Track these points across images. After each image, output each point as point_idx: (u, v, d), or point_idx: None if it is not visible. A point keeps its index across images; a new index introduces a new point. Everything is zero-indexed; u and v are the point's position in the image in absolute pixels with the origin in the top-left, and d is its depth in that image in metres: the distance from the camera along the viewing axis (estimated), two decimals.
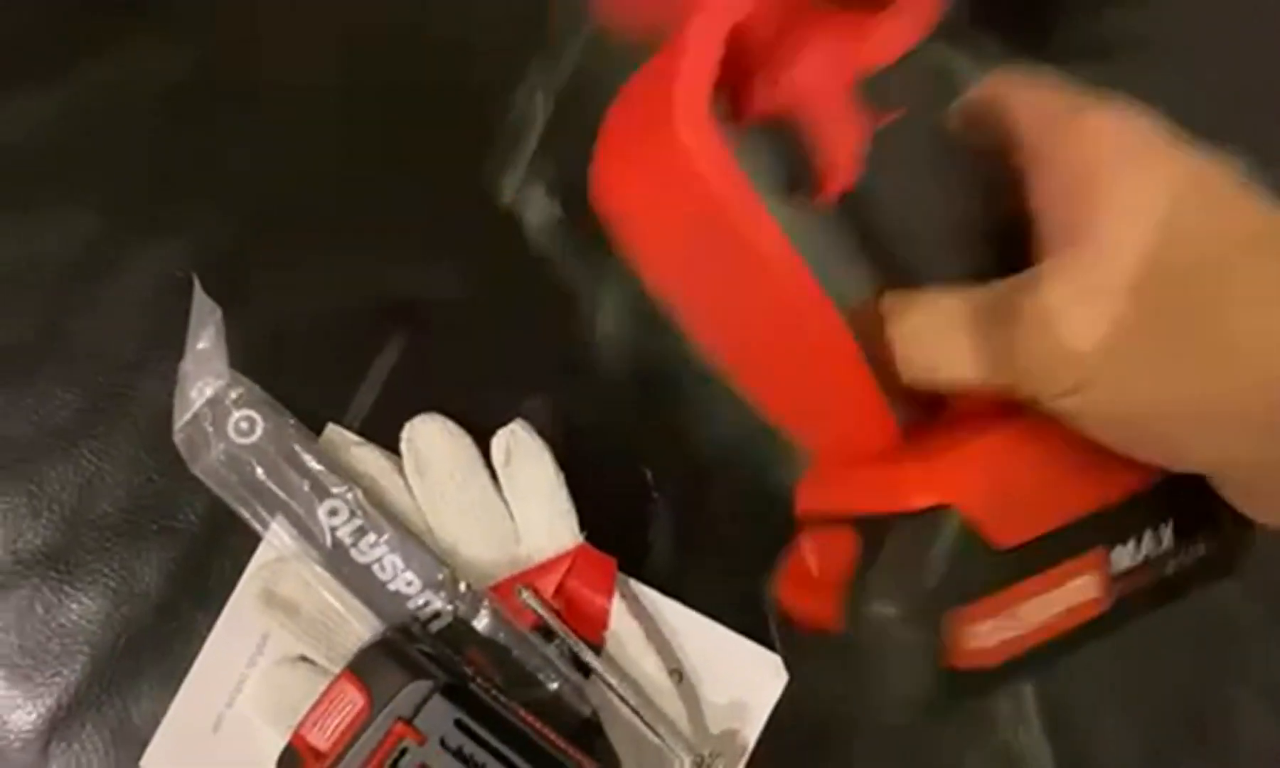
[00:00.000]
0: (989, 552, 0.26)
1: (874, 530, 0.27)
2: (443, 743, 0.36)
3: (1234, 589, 0.30)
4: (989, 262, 0.27)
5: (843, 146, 0.27)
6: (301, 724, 0.37)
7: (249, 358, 0.42)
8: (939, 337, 0.27)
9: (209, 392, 0.40)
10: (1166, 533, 0.28)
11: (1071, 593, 0.27)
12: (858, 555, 0.27)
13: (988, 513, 0.26)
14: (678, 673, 0.43)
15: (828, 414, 0.29)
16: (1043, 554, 0.27)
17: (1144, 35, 0.54)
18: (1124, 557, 0.27)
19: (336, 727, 0.37)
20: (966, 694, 0.27)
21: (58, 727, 0.40)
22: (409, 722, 0.36)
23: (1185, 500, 0.28)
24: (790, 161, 0.28)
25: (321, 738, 0.37)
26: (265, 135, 0.46)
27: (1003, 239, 0.27)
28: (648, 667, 0.42)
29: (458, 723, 0.37)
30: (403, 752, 0.36)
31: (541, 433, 0.43)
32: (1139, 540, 0.28)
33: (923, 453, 0.28)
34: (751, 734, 0.43)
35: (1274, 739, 0.47)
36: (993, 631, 0.26)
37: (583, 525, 0.43)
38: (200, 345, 0.40)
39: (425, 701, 0.37)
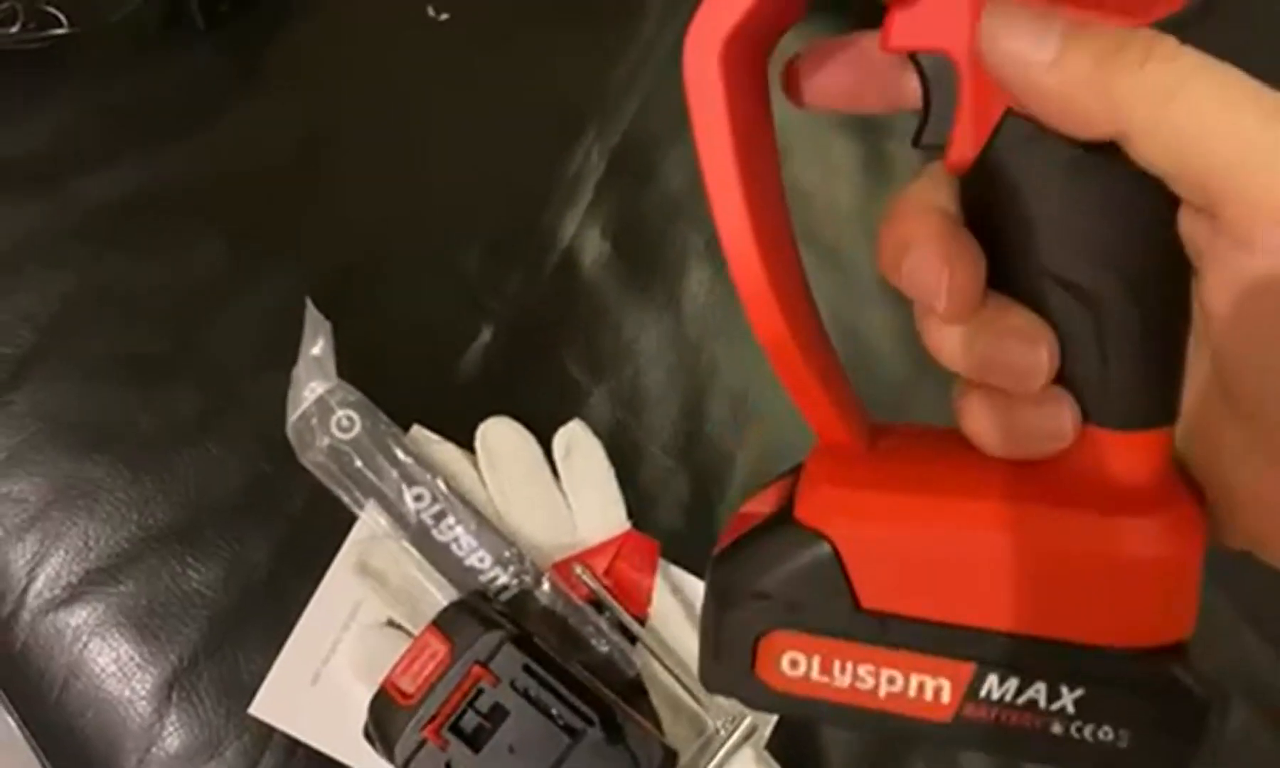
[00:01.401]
0: (848, 603, 0.25)
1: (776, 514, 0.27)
2: (513, 685, 0.43)
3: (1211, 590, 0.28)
4: (1101, 282, 0.24)
5: (977, 113, 0.24)
6: (392, 672, 0.44)
7: (348, 366, 0.49)
8: (1233, 110, 0.21)
9: (319, 391, 0.48)
10: (1066, 697, 0.25)
11: (916, 685, 0.26)
12: (748, 525, 0.27)
13: (862, 568, 0.25)
14: None
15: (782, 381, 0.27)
16: (905, 634, 0.25)
17: None
18: (995, 687, 0.25)
19: (422, 671, 0.43)
20: (773, 708, 0.27)
21: (179, 677, 0.47)
22: (485, 665, 0.43)
23: (1118, 686, 0.25)
24: (928, 109, 0.25)
25: (410, 682, 0.43)
26: (363, 183, 0.54)
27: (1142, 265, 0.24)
28: (685, 639, 0.48)
29: (526, 668, 0.43)
30: (479, 692, 0.43)
31: (596, 432, 0.50)
32: (1023, 683, 0.25)
33: (846, 476, 0.27)
34: None
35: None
36: (815, 671, 0.26)
37: (630, 514, 0.49)
38: (312, 352, 0.48)
39: (499, 648, 0.43)
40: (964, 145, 0.25)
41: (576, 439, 0.49)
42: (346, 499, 0.48)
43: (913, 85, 0.25)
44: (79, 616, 0.47)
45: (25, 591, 0.47)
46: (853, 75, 0.27)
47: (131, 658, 0.47)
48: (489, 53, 0.56)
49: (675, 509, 0.51)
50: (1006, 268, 0.25)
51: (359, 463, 0.48)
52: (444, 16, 0.55)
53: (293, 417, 0.48)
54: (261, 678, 0.47)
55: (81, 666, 0.47)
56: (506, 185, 0.55)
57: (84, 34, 0.52)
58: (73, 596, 0.47)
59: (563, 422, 0.50)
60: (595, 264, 0.54)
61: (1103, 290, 0.24)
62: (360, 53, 0.55)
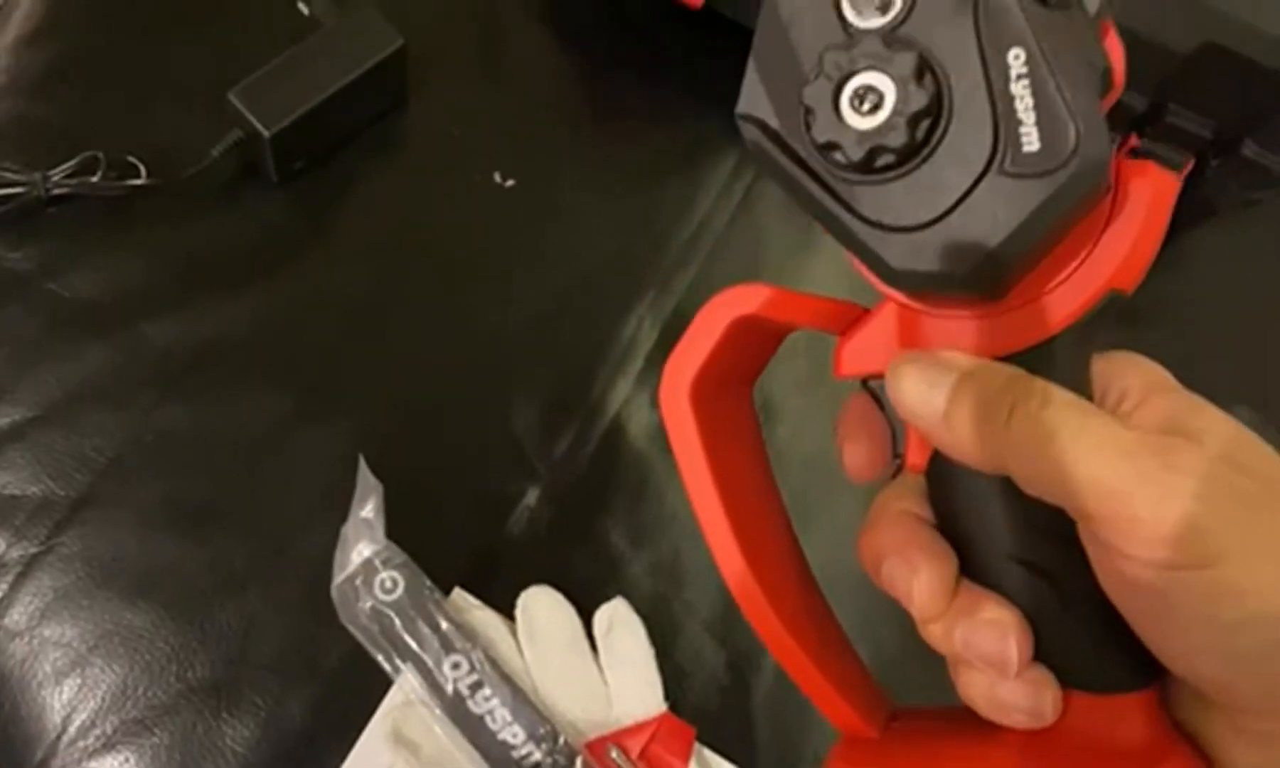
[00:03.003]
0: None
1: None
2: None
3: None
4: (1054, 560, 0.26)
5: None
6: None
7: (394, 519, 0.49)
8: (1091, 453, 0.23)
9: (366, 554, 0.48)
10: None
11: None
12: None
13: None
14: None
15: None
16: None
17: (1174, 297, 0.62)
18: None
19: None
20: None
21: None
22: None
23: None
24: (890, 420, 0.29)
25: None
26: (421, 340, 0.55)
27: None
28: None
29: None
30: None
31: (634, 603, 0.50)
32: None
33: (863, 760, 0.29)
34: None
35: None
36: None
37: (665, 690, 0.49)
38: (362, 514, 0.48)
39: None
40: (916, 454, 0.28)
41: (619, 617, 0.49)
42: (383, 662, 0.48)
43: None
44: (110, 766, 0.47)
45: (59, 737, 0.47)
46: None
47: None
48: (551, 220, 0.57)
49: (711, 687, 0.51)
50: (973, 556, 0.27)
51: (399, 625, 0.48)
52: (510, 183, 0.57)
53: (338, 579, 0.48)
54: None
55: None
56: (561, 350, 0.56)
57: (161, 184, 0.54)
58: (106, 745, 0.47)
59: (603, 590, 0.50)
60: (642, 433, 0.55)
61: (1056, 566, 0.26)
62: (426, 214, 0.57)
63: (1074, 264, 0.25)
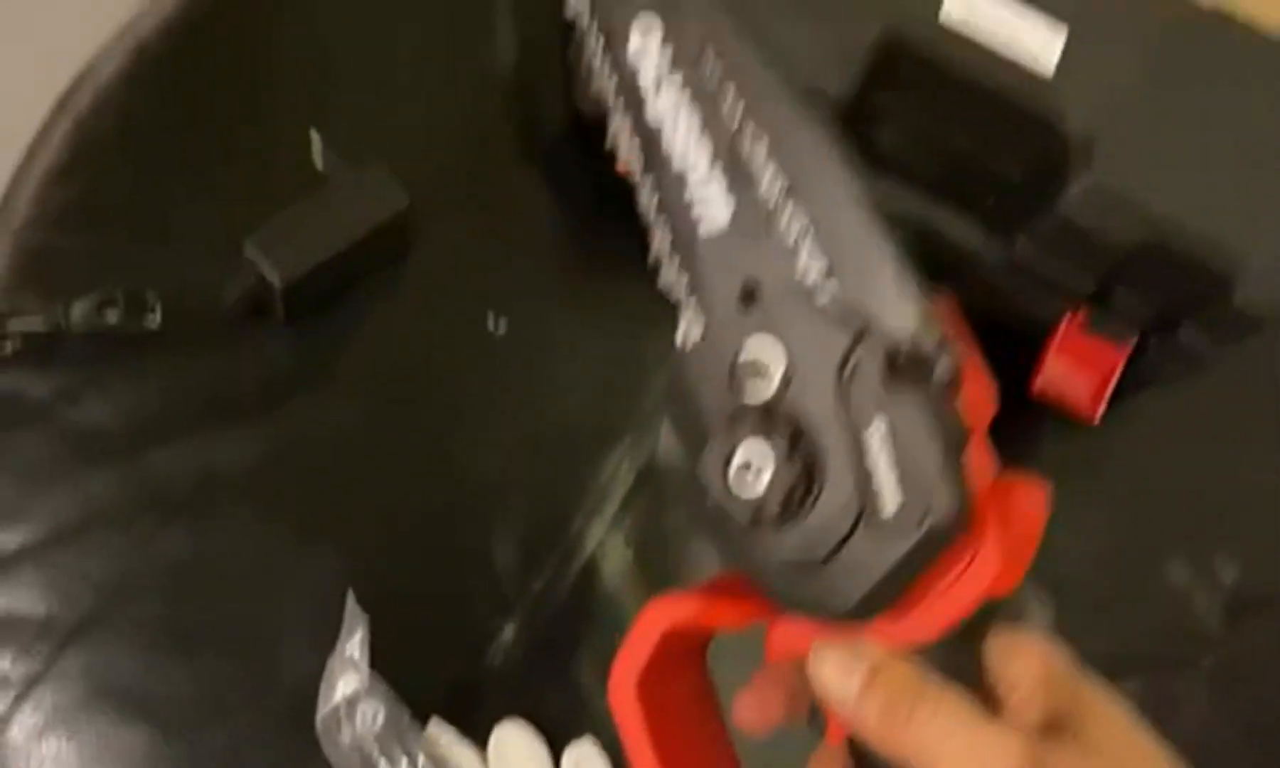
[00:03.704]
0: None
1: None
2: None
3: None
4: None
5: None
6: None
7: (375, 652, 0.52)
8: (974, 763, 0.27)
9: (349, 689, 0.51)
10: None
11: None
12: None
13: None
14: None
15: None
16: None
17: (1119, 457, 0.66)
18: None
19: None
20: None
21: None
22: None
23: None
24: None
25: None
26: (406, 477, 0.58)
27: None
28: None
29: None
30: None
31: (603, 741, 0.53)
32: None
33: None
34: None
35: None
36: None
37: None
38: (348, 650, 0.51)
39: None
40: (836, 730, 0.31)
41: (587, 756, 0.52)
42: None
43: None
44: None
45: None
46: (784, 693, 0.32)
47: None
48: (538, 365, 0.61)
49: None
50: None
51: (376, 753, 0.51)
52: (502, 329, 0.61)
53: (323, 711, 0.51)
54: None
55: None
56: (542, 488, 0.59)
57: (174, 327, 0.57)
58: None
59: (573, 726, 0.53)
60: (616, 573, 0.58)
61: None
62: (420, 357, 0.60)
63: (950, 581, 0.28)
